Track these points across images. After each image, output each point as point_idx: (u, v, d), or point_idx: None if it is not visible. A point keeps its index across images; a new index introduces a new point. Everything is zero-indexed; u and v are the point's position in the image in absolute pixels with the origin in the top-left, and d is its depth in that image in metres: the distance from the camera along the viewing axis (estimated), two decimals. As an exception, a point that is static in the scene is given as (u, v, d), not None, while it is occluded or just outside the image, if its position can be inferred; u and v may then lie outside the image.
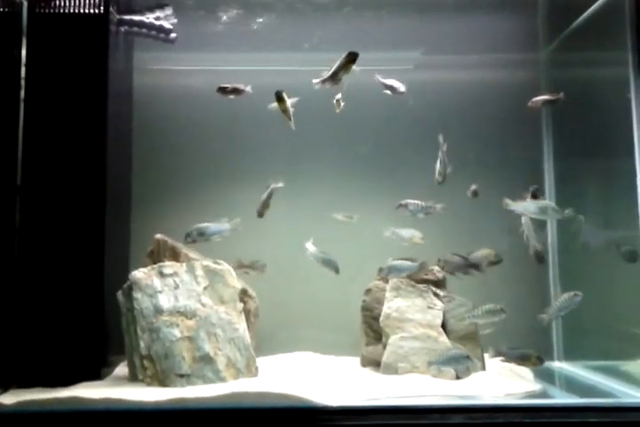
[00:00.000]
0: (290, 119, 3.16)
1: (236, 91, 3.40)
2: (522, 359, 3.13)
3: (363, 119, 3.94)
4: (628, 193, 3.22)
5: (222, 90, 3.38)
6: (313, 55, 4.15)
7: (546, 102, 3.45)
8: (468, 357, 3.04)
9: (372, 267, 3.68)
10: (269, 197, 3.50)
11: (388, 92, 3.38)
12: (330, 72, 3.10)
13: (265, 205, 3.49)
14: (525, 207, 3.10)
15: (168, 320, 3.09)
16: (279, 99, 3.12)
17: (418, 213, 3.32)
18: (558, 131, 4.13)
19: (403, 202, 3.34)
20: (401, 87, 3.36)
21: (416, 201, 3.34)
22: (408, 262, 3.36)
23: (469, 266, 3.36)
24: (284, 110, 3.12)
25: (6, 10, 3.16)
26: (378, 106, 3.66)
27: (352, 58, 3.07)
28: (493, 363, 3.40)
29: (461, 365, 3.09)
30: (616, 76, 3.37)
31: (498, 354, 3.18)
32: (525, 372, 3.35)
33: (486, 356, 3.32)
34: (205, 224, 3.36)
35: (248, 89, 3.41)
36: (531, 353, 3.11)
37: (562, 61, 4.11)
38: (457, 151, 4.05)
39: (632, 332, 3.22)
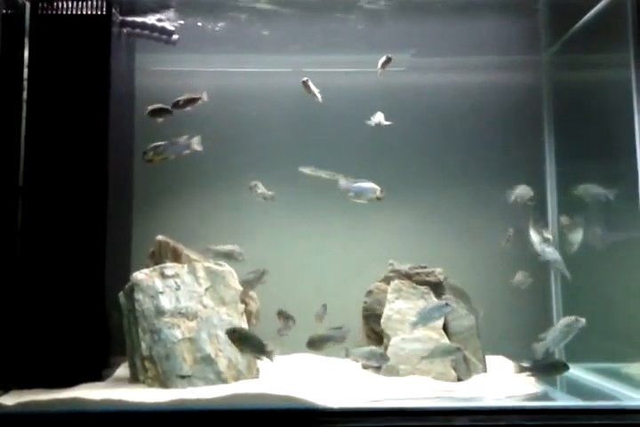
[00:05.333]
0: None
1: (190, 101, 3.25)
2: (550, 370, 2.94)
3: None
4: (631, 195, 3.21)
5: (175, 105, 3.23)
6: (313, 57, 4.16)
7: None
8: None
9: (372, 268, 3.68)
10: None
11: (372, 124, 3.51)
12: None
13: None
14: (554, 340, 2.99)
15: (169, 321, 3.09)
16: None
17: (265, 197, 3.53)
18: (560, 133, 4.13)
19: (252, 183, 3.53)
20: (385, 122, 3.52)
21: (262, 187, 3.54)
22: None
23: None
24: None
25: (9, 11, 3.16)
26: (381, 106, 3.66)
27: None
28: (498, 366, 3.40)
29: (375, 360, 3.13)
30: (618, 78, 3.37)
31: (522, 369, 2.99)
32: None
33: (511, 370, 3.16)
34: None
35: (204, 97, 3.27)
36: (556, 360, 2.88)
37: (563, 63, 4.11)
38: (459, 153, 4.08)
39: (634, 334, 3.21)
